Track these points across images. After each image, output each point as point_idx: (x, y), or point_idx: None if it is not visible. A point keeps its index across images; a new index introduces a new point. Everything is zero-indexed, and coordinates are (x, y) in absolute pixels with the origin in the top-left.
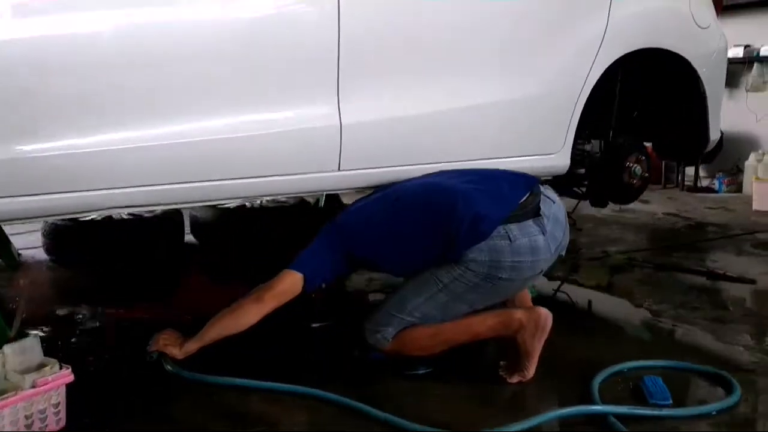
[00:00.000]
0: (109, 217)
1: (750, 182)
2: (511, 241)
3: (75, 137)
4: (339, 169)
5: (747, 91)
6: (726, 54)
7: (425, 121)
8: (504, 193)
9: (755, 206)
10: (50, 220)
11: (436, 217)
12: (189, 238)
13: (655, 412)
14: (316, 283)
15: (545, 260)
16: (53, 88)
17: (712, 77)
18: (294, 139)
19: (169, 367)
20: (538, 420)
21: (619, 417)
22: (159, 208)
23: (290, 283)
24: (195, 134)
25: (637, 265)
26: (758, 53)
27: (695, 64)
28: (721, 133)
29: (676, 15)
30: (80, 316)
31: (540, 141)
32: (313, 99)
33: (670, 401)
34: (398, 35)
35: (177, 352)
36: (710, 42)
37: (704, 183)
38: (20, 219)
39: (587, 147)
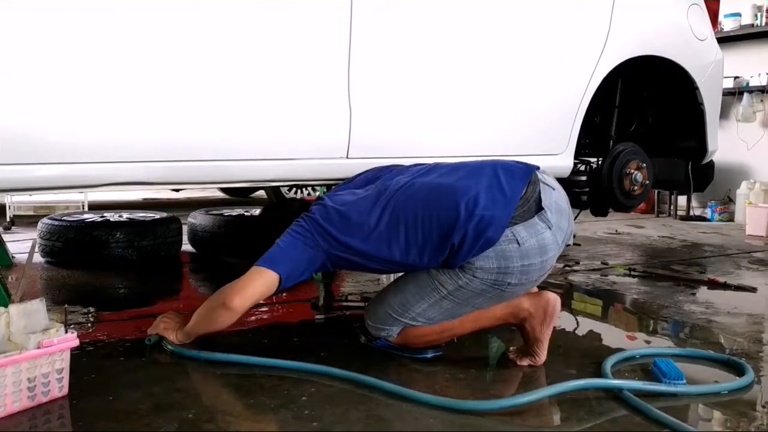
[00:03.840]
0: (106, 219)
1: (742, 211)
2: (519, 244)
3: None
4: (347, 157)
5: (737, 121)
6: (722, 67)
7: (435, 115)
8: (504, 189)
9: (749, 231)
10: (47, 220)
11: (436, 222)
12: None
13: (670, 389)
14: (291, 282)
15: (554, 257)
16: None
17: (709, 88)
18: (304, 124)
19: (170, 347)
20: (550, 391)
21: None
22: (170, 186)
23: (262, 284)
24: (213, 114)
25: (638, 275)
26: (747, 84)
27: (693, 74)
28: (713, 162)
29: (675, 24)
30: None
31: (545, 141)
32: (325, 83)
33: (684, 380)
34: (412, 31)
35: (173, 338)
36: (707, 53)
37: (696, 212)
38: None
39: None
